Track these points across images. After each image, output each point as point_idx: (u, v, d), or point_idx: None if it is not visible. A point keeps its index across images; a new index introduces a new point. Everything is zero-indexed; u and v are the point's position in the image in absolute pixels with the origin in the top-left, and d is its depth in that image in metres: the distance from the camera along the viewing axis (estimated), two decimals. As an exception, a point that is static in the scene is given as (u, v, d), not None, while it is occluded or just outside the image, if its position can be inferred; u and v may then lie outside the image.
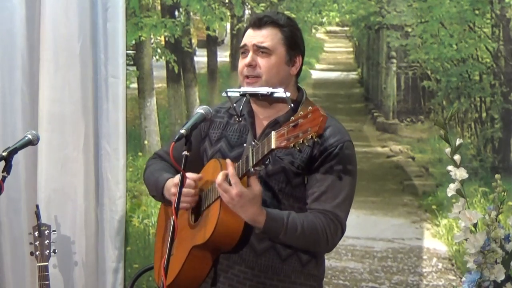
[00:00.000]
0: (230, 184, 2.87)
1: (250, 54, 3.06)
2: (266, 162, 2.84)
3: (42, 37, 4.52)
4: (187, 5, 4.64)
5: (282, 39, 3.07)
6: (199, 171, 3.17)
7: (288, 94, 3.00)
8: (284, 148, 2.73)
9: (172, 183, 3.12)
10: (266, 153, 2.78)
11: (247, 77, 3.07)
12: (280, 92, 3.00)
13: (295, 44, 3.10)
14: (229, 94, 3.11)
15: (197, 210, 3.13)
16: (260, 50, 3.05)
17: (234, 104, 3.15)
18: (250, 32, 3.09)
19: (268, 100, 3.06)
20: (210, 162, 3.14)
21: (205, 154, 3.21)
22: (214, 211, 2.99)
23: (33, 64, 4.58)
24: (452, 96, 4.23)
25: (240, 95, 3.09)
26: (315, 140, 2.68)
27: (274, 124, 3.06)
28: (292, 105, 3.02)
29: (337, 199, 2.99)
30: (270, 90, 3.00)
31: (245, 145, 3.11)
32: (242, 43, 3.11)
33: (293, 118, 2.72)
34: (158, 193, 3.24)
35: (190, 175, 3.03)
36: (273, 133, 2.75)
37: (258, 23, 3.07)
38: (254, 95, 3.06)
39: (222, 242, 3.00)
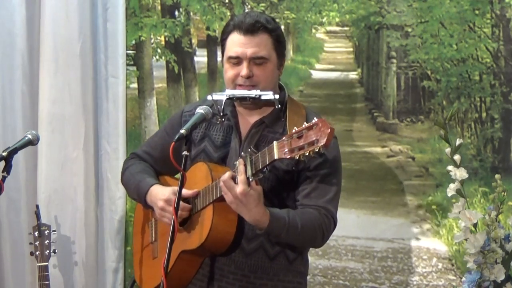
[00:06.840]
0: (235, 182, 2.81)
1: (246, 64, 2.99)
2: (264, 170, 2.80)
3: (42, 37, 4.52)
4: (187, 5, 4.64)
5: (273, 44, 3.03)
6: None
7: (277, 96, 2.96)
8: (289, 159, 2.70)
9: (159, 195, 3.08)
10: (268, 163, 2.74)
11: (240, 85, 3.01)
12: (269, 95, 2.95)
13: (283, 47, 3.08)
14: (216, 98, 3.03)
15: None
16: (256, 60, 3.00)
17: (219, 106, 3.06)
18: (241, 39, 3.00)
19: (256, 102, 3.02)
20: (197, 165, 3.08)
21: None
22: (207, 217, 2.97)
23: (33, 64, 4.58)
24: (452, 96, 4.23)
25: (227, 99, 3.01)
26: (322, 152, 2.64)
27: (260, 124, 3.05)
28: (279, 105, 3.00)
29: (328, 195, 3.01)
30: (258, 93, 2.96)
31: (230, 145, 3.07)
32: (234, 53, 3.01)
33: (296, 128, 2.68)
34: (140, 198, 3.21)
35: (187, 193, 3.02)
36: (275, 143, 2.72)
37: (251, 29, 3.00)
38: (243, 99, 3.00)
39: (214, 247, 2.99)
